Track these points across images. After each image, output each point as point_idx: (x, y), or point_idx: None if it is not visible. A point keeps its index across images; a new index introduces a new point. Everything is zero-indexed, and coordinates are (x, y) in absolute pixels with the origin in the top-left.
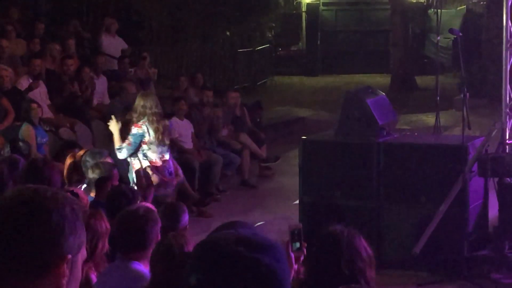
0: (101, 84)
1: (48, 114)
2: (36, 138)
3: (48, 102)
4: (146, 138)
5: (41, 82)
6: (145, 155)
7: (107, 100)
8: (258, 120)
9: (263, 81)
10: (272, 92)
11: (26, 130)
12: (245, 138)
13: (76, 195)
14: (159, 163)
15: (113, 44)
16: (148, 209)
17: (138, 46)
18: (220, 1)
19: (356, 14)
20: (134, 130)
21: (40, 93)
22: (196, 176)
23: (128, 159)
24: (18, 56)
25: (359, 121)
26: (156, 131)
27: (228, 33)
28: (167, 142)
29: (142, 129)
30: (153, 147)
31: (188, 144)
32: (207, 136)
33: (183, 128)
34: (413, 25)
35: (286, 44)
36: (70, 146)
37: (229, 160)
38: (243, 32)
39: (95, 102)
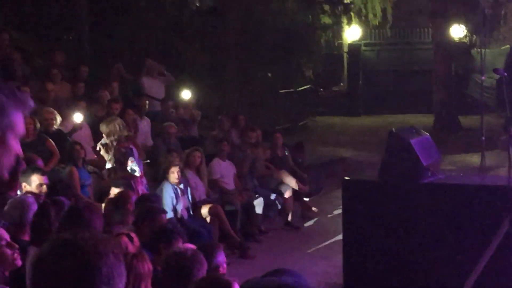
0: (144, 125)
1: (91, 156)
2: (80, 180)
3: (92, 144)
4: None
5: (85, 124)
6: (132, 170)
7: (150, 142)
8: (300, 160)
9: (305, 121)
10: (314, 133)
11: (70, 172)
12: (287, 178)
13: (131, 238)
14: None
15: (154, 86)
16: (195, 251)
17: (179, 87)
18: (262, 42)
19: (398, 54)
20: (132, 166)
21: (84, 135)
22: (238, 217)
23: None
24: (63, 98)
25: (403, 162)
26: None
27: (269, 74)
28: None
29: (134, 165)
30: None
31: (230, 185)
32: (249, 177)
33: (225, 169)
34: (456, 65)
35: (327, 84)
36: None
37: (271, 201)
38: (285, 72)
39: (138, 143)
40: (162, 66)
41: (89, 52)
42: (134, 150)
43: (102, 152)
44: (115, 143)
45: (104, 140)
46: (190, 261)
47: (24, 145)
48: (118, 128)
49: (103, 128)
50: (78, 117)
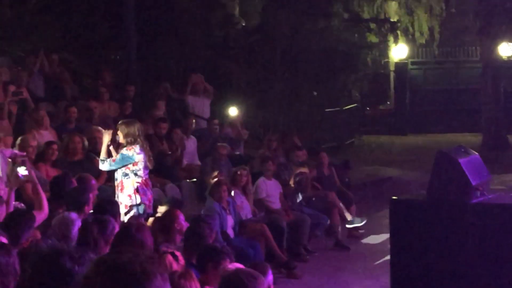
0: (191, 144)
1: None
2: None
3: None
4: (136, 159)
5: None
6: (136, 174)
7: (196, 161)
8: (347, 179)
9: (351, 140)
10: (360, 152)
11: None
12: (334, 198)
13: (176, 257)
14: (146, 183)
15: (199, 104)
16: (250, 273)
17: (225, 105)
18: (307, 60)
19: (445, 72)
20: (125, 151)
21: None
22: (284, 237)
23: (120, 179)
24: (111, 117)
25: (452, 182)
26: (147, 154)
27: (315, 92)
28: (151, 166)
29: (132, 152)
30: (142, 168)
31: (276, 204)
32: (295, 196)
33: (271, 188)
34: (505, 83)
35: (374, 103)
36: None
37: (317, 221)
38: (331, 91)
39: (185, 162)
40: (207, 84)
41: (136, 72)
42: (144, 156)
43: (105, 140)
44: (129, 145)
45: (120, 139)
46: (252, 281)
47: (72, 163)
48: (136, 132)
49: (122, 127)
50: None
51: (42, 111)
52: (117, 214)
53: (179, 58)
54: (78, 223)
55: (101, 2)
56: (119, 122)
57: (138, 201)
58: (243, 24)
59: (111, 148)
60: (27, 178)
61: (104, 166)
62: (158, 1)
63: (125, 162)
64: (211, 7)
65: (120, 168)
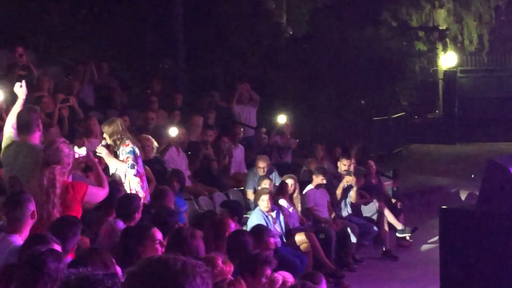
0: (238, 153)
1: (187, 183)
2: (176, 206)
3: (189, 172)
4: (137, 151)
5: (182, 153)
6: (134, 167)
7: (244, 169)
8: (395, 189)
9: (399, 149)
10: (409, 161)
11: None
12: (382, 207)
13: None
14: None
15: (245, 112)
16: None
17: (273, 114)
18: (355, 68)
19: (495, 80)
20: (127, 148)
21: (181, 163)
22: (333, 246)
23: (126, 172)
24: (160, 126)
25: (503, 191)
26: (139, 148)
27: (363, 101)
28: (144, 157)
29: (129, 148)
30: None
31: (324, 213)
32: (343, 205)
33: (319, 197)
34: None
35: (422, 111)
36: (209, 213)
37: (365, 230)
38: (379, 100)
39: (232, 171)
40: (254, 92)
41: (184, 81)
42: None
43: (105, 154)
44: (118, 142)
45: (106, 141)
46: None
47: None
48: (120, 128)
49: (105, 128)
50: (173, 131)
51: (93, 120)
52: (175, 224)
53: (227, 66)
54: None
55: (150, 12)
56: (101, 126)
57: (143, 194)
58: (291, 33)
59: (104, 154)
60: (85, 159)
61: (134, 169)
62: (206, 10)
63: (133, 154)
64: (259, 16)
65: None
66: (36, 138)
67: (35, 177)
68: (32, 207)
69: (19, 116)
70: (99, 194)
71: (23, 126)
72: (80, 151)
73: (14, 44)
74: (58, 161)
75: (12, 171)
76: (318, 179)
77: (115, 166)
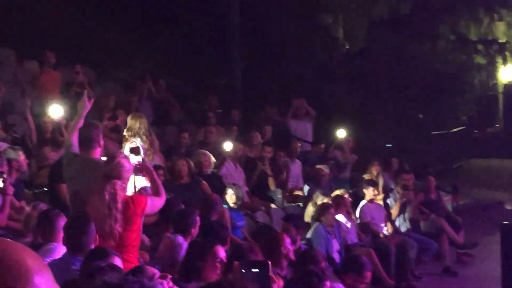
0: (295, 168)
1: (244, 198)
2: (232, 220)
3: (246, 188)
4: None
5: (239, 168)
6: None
7: (301, 184)
8: (455, 204)
9: (459, 163)
10: (468, 175)
11: (221, 212)
12: (442, 222)
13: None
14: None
15: (301, 127)
16: None
17: (331, 130)
18: (412, 82)
19: None
20: (128, 144)
21: (239, 178)
22: (392, 261)
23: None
24: (217, 141)
25: None
26: (147, 150)
27: (421, 115)
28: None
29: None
30: None
31: (381, 228)
32: (401, 220)
33: (375, 212)
34: None
35: (482, 125)
36: (267, 229)
37: (425, 246)
38: (437, 114)
39: (289, 186)
40: (310, 108)
41: (241, 96)
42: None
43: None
44: (127, 137)
45: (124, 131)
46: None
47: (178, 186)
48: (137, 126)
49: (128, 119)
50: (228, 146)
51: (153, 135)
52: (226, 238)
53: (283, 81)
54: (184, 246)
55: (206, 28)
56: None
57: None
58: (347, 47)
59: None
60: (141, 167)
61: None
62: (263, 26)
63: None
64: (315, 31)
65: None
66: (98, 153)
67: (97, 192)
68: (94, 230)
69: (81, 131)
70: (157, 204)
71: (85, 141)
72: (137, 159)
73: (73, 62)
74: (119, 176)
75: (76, 186)
76: (369, 192)
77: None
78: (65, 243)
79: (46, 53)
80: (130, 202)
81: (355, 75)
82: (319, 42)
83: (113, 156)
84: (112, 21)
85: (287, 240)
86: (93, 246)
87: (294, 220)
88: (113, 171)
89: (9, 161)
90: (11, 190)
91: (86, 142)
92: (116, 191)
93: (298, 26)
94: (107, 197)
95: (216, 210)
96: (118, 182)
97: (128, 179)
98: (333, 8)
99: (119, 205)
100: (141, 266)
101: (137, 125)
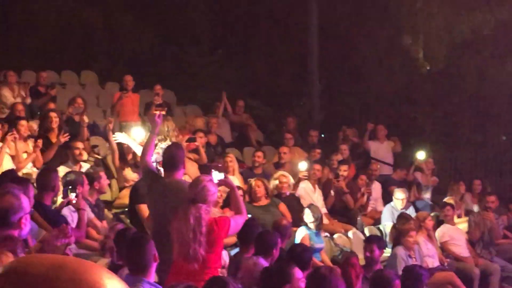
0: (375, 190)
1: (324, 220)
2: (311, 242)
3: (325, 210)
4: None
5: (318, 189)
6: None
7: (380, 207)
8: None
9: None
10: None
11: (300, 233)
12: None
13: None
14: None
15: (381, 149)
16: None
17: (411, 151)
18: (496, 104)
19: None
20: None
21: (317, 200)
22: (476, 286)
23: None
24: (296, 163)
25: None
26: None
27: (504, 137)
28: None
29: (160, 147)
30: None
31: (464, 252)
32: (484, 244)
33: (453, 233)
34: None
35: None
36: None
37: (509, 273)
38: None
39: (369, 208)
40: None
41: (319, 118)
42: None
43: (124, 137)
44: (160, 139)
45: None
46: None
47: (257, 207)
48: (165, 129)
49: (165, 121)
50: (303, 166)
51: (229, 156)
52: (308, 262)
53: (362, 103)
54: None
55: (285, 50)
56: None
57: None
58: (428, 68)
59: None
60: (222, 183)
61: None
62: (341, 48)
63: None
64: (395, 52)
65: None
66: (181, 174)
67: (181, 215)
68: (154, 250)
69: (165, 152)
70: (240, 222)
71: (170, 162)
72: (219, 176)
73: (153, 84)
74: (204, 200)
75: (159, 207)
76: (450, 215)
77: (137, 149)
78: (125, 263)
79: (125, 77)
80: (214, 224)
81: (435, 96)
82: (399, 63)
83: (199, 180)
84: (192, 44)
85: (358, 263)
86: (154, 265)
87: (376, 240)
88: (199, 195)
89: (91, 181)
90: (83, 204)
91: (171, 163)
92: (201, 215)
93: (378, 47)
94: (192, 221)
95: (286, 235)
96: (204, 206)
97: (213, 203)
98: (414, 29)
99: (204, 229)
100: None
101: (165, 128)
